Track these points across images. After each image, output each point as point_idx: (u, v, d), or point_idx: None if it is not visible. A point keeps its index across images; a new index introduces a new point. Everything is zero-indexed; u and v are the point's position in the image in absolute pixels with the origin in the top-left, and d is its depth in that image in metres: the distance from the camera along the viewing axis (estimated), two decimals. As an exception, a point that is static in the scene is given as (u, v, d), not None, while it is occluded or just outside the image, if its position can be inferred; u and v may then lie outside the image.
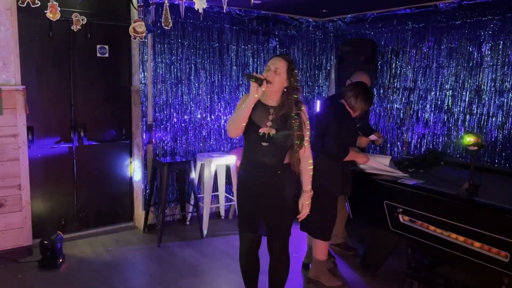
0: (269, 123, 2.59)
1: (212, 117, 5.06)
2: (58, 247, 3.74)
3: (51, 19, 3.41)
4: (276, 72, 2.55)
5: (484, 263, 2.70)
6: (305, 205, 2.75)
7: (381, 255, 3.63)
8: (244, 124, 2.57)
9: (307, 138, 2.68)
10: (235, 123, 2.57)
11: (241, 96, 4.88)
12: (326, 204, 3.39)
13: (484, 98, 4.14)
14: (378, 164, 3.47)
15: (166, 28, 3.54)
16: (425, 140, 4.64)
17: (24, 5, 3.22)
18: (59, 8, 3.40)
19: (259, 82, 2.48)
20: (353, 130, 3.50)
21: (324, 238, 3.43)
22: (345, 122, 3.32)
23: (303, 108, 2.66)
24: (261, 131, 2.58)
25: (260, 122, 2.60)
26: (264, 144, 2.59)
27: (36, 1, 3.24)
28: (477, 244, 2.72)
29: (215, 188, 4.97)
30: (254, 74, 2.60)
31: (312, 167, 2.76)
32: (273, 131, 2.58)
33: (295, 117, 2.59)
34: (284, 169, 2.66)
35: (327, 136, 3.29)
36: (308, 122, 2.70)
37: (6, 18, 3.63)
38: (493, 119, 4.09)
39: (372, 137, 3.83)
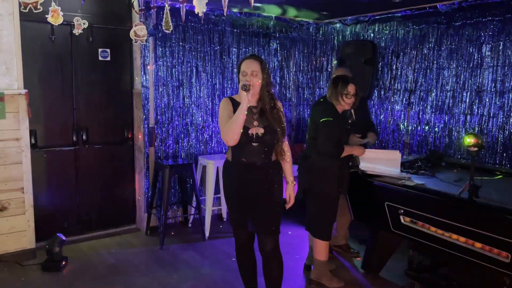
0: (255, 123, 2.68)
1: (214, 119, 5.08)
2: (61, 250, 3.76)
3: (53, 23, 3.44)
4: (253, 74, 2.64)
5: (485, 263, 2.70)
6: (292, 195, 2.89)
7: (383, 256, 3.65)
8: (241, 130, 2.61)
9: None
10: (234, 132, 2.59)
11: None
12: (324, 204, 3.40)
13: (485, 99, 4.15)
14: (376, 160, 3.46)
15: (167, 31, 3.56)
16: (426, 141, 4.65)
17: (27, 10, 3.25)
18: (61, 13, 3.43)
19: (246, 88, 2.56)
20: (343, 127, 3.44)
21: (324, 237, 3.43)
22: (334, 120, 3.31)
23: (278, 102, 2.80)
24: (250, 132, 2.65)
25: (248, 123, 2.66)
26: (254, 144, 2.67)
27: (38, 6, 3.27)
28: (478, 245, 2.73)
29: (217, 190, 4.98)
30: (242, 83, 2.61)
31: (290, 158, 2.88)
32: (261, 130, 2.66)
33: (274, 109, 2.72)
34: (273, 167, 2.78)
35: (319, 136, 3.30)
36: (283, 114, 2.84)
37: (8, 22, 3.65)
38: (494, 119, 4.09)
39: (370, 137, 3.83)
